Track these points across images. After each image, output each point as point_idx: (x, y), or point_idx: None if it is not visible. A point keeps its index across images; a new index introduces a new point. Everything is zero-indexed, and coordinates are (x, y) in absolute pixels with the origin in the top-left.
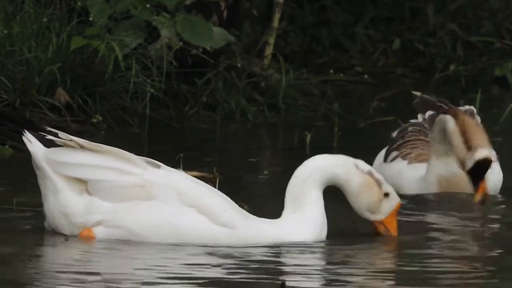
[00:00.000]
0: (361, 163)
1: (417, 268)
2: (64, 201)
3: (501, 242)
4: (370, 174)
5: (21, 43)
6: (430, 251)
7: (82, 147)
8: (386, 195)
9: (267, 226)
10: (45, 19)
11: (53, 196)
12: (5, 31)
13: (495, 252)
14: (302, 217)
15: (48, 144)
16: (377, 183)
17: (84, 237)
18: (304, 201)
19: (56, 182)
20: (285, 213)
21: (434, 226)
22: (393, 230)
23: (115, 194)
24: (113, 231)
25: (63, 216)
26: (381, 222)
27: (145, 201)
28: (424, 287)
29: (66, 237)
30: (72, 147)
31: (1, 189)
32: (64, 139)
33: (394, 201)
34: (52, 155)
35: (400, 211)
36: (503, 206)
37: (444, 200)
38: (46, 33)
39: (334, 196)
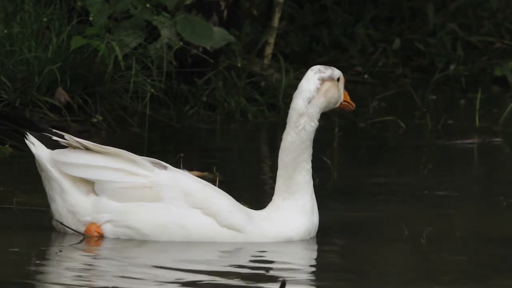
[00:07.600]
0: (310, 90)
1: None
2: (71, 201)
3: None
4: (323, 80)
5: (21, 43)
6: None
7: (87, 148)
8: (338, 79)
9: (270, 227)
10: (45, 19)
11: (60, 196)
12: (5, 31)
13: None
14: (294, 205)
15: (50, 145)
16: (331, 79)
17: (92, 231)
18: (295, 187)
19: (62, 182)
20: (276, 200)
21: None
22: (348, 98)
23: (122, 195)
24: (121, 230)
25: (70, 214)
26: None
27: (153, 202)
28: (426, 281)
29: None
30: (76, 148)
31: (1, 189)
32: (69, 140)
33: (341, 78)
34: (58, 156)
35: None
36: None
37: None
38: (46, 33)
39: (336, 196)
